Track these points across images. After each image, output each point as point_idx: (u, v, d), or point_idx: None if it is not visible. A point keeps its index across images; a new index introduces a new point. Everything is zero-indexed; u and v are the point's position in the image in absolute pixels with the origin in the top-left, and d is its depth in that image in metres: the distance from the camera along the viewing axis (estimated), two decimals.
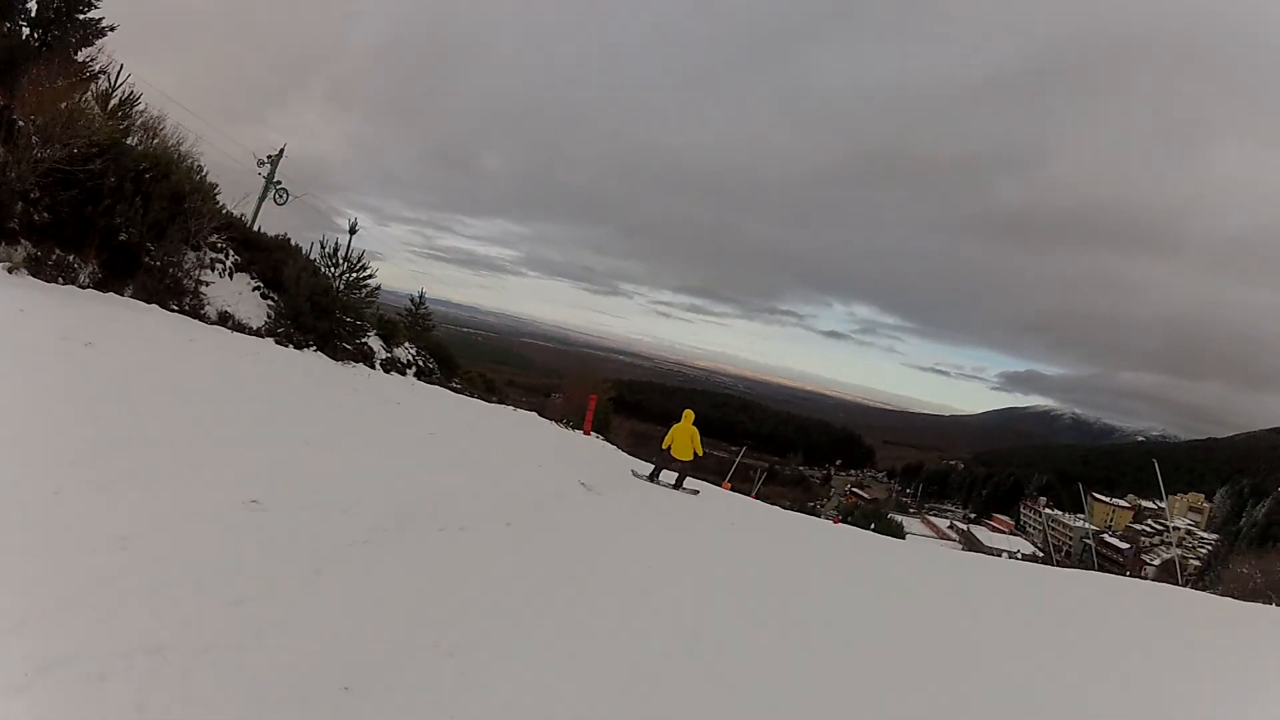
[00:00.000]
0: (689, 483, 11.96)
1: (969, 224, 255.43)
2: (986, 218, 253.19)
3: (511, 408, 18.70)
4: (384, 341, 15.57)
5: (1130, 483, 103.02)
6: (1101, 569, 59.23)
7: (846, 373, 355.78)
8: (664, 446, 11.47)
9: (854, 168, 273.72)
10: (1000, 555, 46.65)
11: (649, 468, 11.93)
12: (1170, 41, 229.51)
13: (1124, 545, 66.78)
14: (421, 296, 21.94)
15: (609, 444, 19.69)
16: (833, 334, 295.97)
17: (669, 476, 11.61)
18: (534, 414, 19.13)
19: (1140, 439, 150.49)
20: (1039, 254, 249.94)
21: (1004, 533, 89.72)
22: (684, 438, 11.27)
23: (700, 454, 11.48)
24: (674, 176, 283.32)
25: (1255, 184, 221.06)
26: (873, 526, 43.71)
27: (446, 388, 16.09)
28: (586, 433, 19.62)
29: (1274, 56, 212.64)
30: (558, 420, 19.68)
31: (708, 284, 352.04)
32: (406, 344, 16.75)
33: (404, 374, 14.75)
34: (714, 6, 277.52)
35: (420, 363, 16.55)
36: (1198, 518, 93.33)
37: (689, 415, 11.45)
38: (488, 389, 20.56)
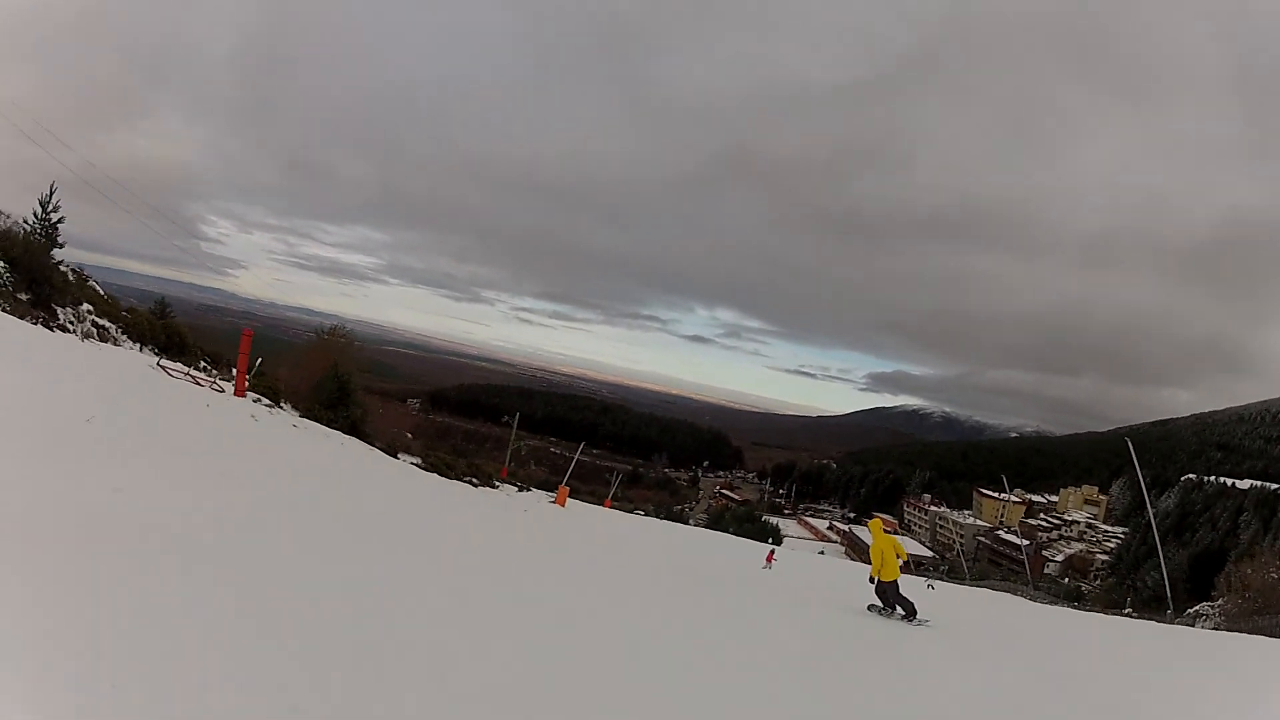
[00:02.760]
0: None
1: (831, 225, 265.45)
2: (849, 219, 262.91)
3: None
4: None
5: (1014, 478, 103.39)
6: (1000, 566, 59.28)
7: (712, 376, 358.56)
8: (870, 576, 9.30)
9: (710, 170, 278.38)
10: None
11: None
12: (1035, 33, 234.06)
13: (1023, 542, 67.22)
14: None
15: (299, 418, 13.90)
16: (697, 338, 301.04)
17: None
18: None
19: (1014, 434, 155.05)
20: (904, 254, 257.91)
21: (889, 532, 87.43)
22: (890, 551, 9.16)
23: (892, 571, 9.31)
24: (525, 184, 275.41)
25: (1121, 182, 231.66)
26: (770, 540, 40.39)
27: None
28: (240, 393, 13.48)
29: (1135, 49, 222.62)
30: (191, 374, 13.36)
31: (570, 291, 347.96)
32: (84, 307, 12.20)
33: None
34: (554, 10, 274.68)
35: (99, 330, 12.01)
36: (1095, 510, 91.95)
37: (878, 524, 9.56)
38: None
